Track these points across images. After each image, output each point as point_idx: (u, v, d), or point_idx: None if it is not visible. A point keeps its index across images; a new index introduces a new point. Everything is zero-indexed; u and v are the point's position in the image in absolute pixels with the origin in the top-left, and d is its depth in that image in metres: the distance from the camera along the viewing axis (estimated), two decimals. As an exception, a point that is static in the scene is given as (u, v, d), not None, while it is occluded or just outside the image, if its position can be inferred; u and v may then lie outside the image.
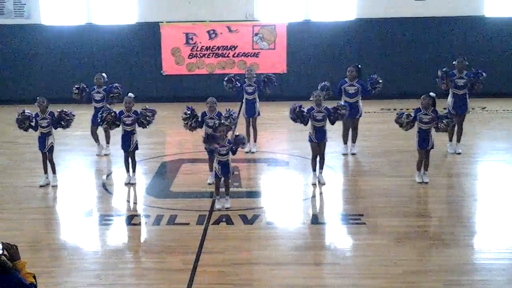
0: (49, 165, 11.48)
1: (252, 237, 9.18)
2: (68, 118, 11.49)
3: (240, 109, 13.93)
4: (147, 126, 11.60)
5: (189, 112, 11.39)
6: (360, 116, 13.10)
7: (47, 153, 11.40)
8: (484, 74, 12.96)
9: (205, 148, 10.57)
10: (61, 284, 7.82)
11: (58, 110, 11.47)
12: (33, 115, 11.36)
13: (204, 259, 8.38)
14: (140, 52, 18.98)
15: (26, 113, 11.39)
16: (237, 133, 10.52)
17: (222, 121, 10.62)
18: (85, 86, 13.46)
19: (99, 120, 11.80)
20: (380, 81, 13.02)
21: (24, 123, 11.37)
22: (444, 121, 11.00)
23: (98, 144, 13.48)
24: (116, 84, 13.47)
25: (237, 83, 13.43)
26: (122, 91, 13.21)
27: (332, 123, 11.34)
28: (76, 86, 13.50)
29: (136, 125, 11.46)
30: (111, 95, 13.27)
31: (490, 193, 10.92)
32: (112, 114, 11.46)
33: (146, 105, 11.90)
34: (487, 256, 8.46)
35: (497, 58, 18.61)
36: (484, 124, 15.74)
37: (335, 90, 12.90)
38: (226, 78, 13.52)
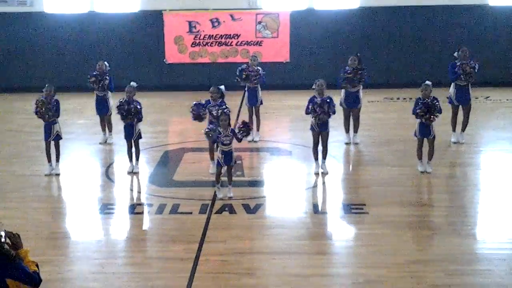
0: (53, 153, 11.48)
1: (254, 226, 9.20)
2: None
3: (243, 98, 13.92)
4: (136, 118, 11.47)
5: (194, 107, 11.27)
6: (361, 106, 13.06)
7: (53, 141, 11.39)
8: (476, 65, 12.71)
9: (208, 138, 10.57)
10: (64, 272, 7.86)
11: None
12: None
13: (207, 248, 8.40)
14: (143, 41, 18.95)
15: (42, 100, 11.22)
16: (244, 122, 10.44)
17: (225, 110, 10.61)
18: (98, 74, 13.22)
19: (120, 116, 11.58)
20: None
21: (45, 112, 11.25)
22: (431, 109, 10.88)
23: (104, 133, 13.49)
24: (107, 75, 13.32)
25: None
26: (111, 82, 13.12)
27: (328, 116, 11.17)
28: (93, 73, 13.29)
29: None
30: (102, 83, 13.13)
31: (493, 183, 10.91)
32: (126, 106, 11.30)
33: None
34: (489, 246, 8.47)
35: (501, 47, 18.57)
36: (487, 114, 15.71)
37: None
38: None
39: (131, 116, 11.27)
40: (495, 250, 8.27)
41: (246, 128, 10.28)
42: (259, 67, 13.35)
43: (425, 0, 18.53)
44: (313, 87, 11.21)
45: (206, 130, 10.43)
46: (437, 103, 10.93)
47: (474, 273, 7.69)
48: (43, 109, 11.16)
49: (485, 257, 8.10)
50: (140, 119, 11.41)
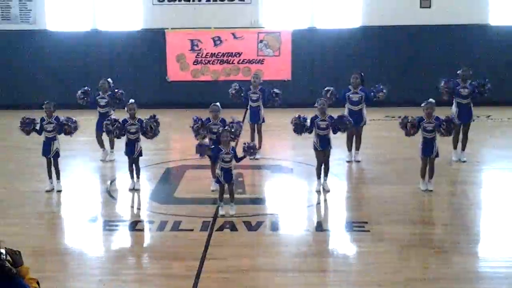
0: (53, 170, 11.49)
1: (256, 244, 9.17)
2: (71, 125, 11.43)
3: (245, 115, 13.95)
4: (153, 138, 11.55)
5: (198, 123, 11.25)
6: (364, 124, 13.10)
7: (52, 158, 11.41)
8: (488, 84, 12.89)
9: (208, 156, 10.57)
10: (64, 289, 7.83)
11: (65, 118, 11.47)
12: (39, 120, 11.37)
13: (208, 265, 8.37)
14: (145, 58, 19.02)
15: (30, 117, 11.38)
16: (250, 143, 10.49)
17: (226, 128, 10.62)
18: (88, 90, 13.49)
19: (104, 131, 11.79)
20: (384, 90, 12.99)
21: (28, 126, 11.35)
22: (444, 124, 10.96)
23: (103, 149, 13.51)
24: (120, 91, 13.46)
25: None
26: (123, 96, 13.22)
27: (334, 133, 11.31)
28: (80, 91, 13.53)
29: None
30: (114, 99, 13.27)
31: (495, 202, 10.89)
32: (117, 125, 11.41)
33: (150, 112, 11.86)
34: (491, 264, 8.44)
35: (501, 67, 18.60)
36: (489, 133, 15.72)
37: (340, 98, 12.91)
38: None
39: (117, 133, 11.35)
40: (496, 268, 8.24)
41: (253, 150, 10.28)
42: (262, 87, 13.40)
43: (426, 20, 18.62)
44: (315, 105, 11.23)
45: (198, 145, 10.41)
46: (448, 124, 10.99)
47: (476, 291, 7.66)
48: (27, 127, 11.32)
49: (487, 276, 8.07)
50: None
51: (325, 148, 11.21)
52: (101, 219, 10.28)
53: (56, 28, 19.01)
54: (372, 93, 12.91)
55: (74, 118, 11.57)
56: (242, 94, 13.44)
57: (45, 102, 11.40)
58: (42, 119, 11.38)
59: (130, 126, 11.36)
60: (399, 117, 10.95)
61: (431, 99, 11.12)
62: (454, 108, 12.88)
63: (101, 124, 13.23)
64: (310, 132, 11.26)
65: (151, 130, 11.39)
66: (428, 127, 11.03)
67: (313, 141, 11.28)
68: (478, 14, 18.60)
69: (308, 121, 11.17)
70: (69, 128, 11.42)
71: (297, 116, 11.27)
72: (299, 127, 11.23)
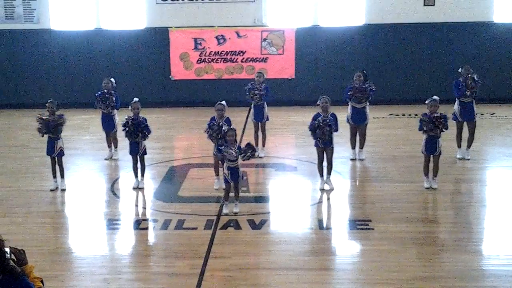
0: (57, 169, 11.51)
1: (259, 242, 9.18)
2: (57, 121, 11.25)
3: (249, 114, 13.95)
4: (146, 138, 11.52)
5: (210, 127, 11.02)
6: (368, 122, 13.08)
7: (56, 157, 11.42)
8: (478, 79, 12.75)
9: (215, 154, 10.53)
10: (69, 288, 7.85)
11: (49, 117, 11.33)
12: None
13: (212, 263, 8.38)
14: (149, 57, 19.05)
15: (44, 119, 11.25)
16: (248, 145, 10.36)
17: (232, 127, 10.55)
18: (106, 95, 13.19)
19: (124, 134, 11.51)
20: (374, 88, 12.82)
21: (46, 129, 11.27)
22: (438, 121, 10.86)
23: (110, 149, 13.52)
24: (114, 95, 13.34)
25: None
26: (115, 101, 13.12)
27: (335, 131, 11.23)
28: (99, 93, 13.31)
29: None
30: (105, 101, 13.16)
31: (499, 199, 10.87)
32: (130, 124, 11.29)
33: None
34: (496, 262, 8.42)
35: (506, 64, 18.58)
36: (493, 130, 15.69)
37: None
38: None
39: (139, 133, 11.28)
40: (501, 266, 8.23)
41: (251, 151, 10.16)
42: (266, 85, 13.37)
43: (430, 18, 18.60)
44: (318, 103, 11.22)
45: (218, 152, 10.30)
46: (443, 120, 10.85)
47: (480, 289, 7.65)
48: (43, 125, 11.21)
49: (491, 274, 8.05)
50: (147, 135, 11.42)
51: (327, 146, 11.20)
52: (105, 218, 10.30)
53: (60, 28, 19.04)
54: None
55: (59, 114, 11.38)
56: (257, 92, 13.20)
57: (48, 101, 11.40)
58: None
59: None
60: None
61: (435, 97, 11.09)
62: (456, 106, 12.86)
63: (106, 124, 13.29)
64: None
65: (140, 133, 11.31)
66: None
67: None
68: (482, 12, 18.58)
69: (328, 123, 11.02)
70: (55, 124, 11.25)
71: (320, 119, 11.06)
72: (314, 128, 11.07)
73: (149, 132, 11.44)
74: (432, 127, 10.85)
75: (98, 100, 13.17)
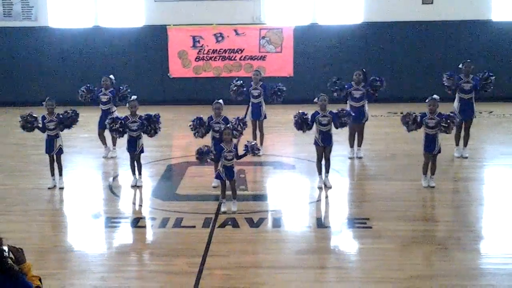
0: (55, 167, 11.50)
1: (257, 240, 9.18)
2: (71, 116, 11.40)
3: (247, 112, 13.94)
4: (155, 135, 11.54)
5: (194, 122, 11.20)
6: (366, 120, 13.09)
7: (55, 155, 11.41)
8: (492, 76, 12.86)
9: (209, 160, 10.51)
10: (66, 286, 7.83)
11: (62, 112, 11.42)
12: (40, 117, 11.34)
13: (210, 262, 8.38)
14: (147, 55, 19.04)
15: (32, 115, 11.34)
16: (252, 142, 10.40)
17: (228, 125, 10.58)
18: (92, 88, 13.49)
19: (107, 128, 11.72)
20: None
21: (29, 123, 11.32)
22: (444, 120, 10.89)
23: (105, 146, 13.52)
24: (125, 87, 13.43)
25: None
26: (128, 93, 13.20)
27: (337, 128, 11.31)
28: (82, 88, 13.51)
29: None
30: (120, 94, 13.26)
31: (497, 198, 10.88)
32: (119, 123, 11.39)
33: (152, 109, 11.85)
34: (494, 261, 8.42)
35: (504, 62, 18.59)
36: (491, 129, 15.71)
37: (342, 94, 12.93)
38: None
39: (151, 129, 11.29)
40: (499, 265, 8.23)
41: (256, 150, 10.23)
42: (263, 83, 13.37)
43: (429, 16, 18.60)
44: (315, 100, 11.21)
45: (199, 152, 10.31)
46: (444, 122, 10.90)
47: (479, 288, 7.65)
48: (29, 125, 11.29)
49: (489, 272, 8.05)
50: (157, 131, 11.47)
51: (326, 144, 11.21)
52: (103, 216, 10.29)
53: (58, 25, 19.02)
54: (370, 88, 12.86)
55: (73, 109, 11.50)
56: (243, 89, 13.41)
57: (46, 99, 11.38)
58: (43, 117, 11.33)
59: (132, 123, 11.34)
60: (401, 113, 11.00)
61: (435, 96, 11.08)
62: (456, 104, 12.86)
63: (103, 121, 13.25)
64: (310, 129, 11.25)
65: (153, 129, 11.35)
66: (431, 123, 11.01)
67: (314, 136, 11.28)
68: (480, 10, 18.59)
69: (309, 117, 11.15)
70: (70, 120, 11.35)
71: (298, 112, 11.25)
72: (300, 124, 11.21)
73: (159, 129, 11.45)
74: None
75: (119, 97, 13.30)
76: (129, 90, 13.34)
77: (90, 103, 13.58)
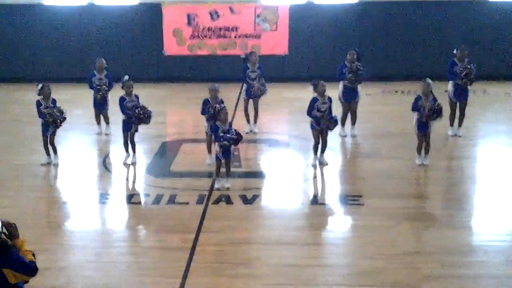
0: (49, 147, 11.48)
1: (251, 217, 9.21)
2: (61, 118, 11.31)
3: (241, 90, 13.91)
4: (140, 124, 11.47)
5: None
6: (359, 100, 13.07)
7: (49, 136, 11.38)
8: (474, 68, 12.71)
9: (207, 133, 10.39)
10: (60, 261, 7.85)
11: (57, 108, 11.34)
12: (37, 103, 11.26)
13: (203, 238, 8.41)
14: (142, 33, 18.96)
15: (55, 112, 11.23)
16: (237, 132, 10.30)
17: (224, 106, 10.53)
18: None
19: (135, 118, 11.35)
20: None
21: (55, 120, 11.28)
22: (432, 111, 10.87)
23: (99, 126, 13.49)
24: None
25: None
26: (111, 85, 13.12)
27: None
28: (95, 85, 13.26)
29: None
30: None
31: (490, 176, 10.92)
32: (144, 110, 11.25)
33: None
34: (485, 238, 8.48)
35: (499, 42, 18.58)
36: (485, 107, 15.73)
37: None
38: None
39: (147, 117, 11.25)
40: (490, 242, 8.28)
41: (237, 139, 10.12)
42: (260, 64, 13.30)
43: (424, -6, 18.54)
44: (310, 83, 11.12)
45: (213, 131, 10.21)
46: (436, 107, 10.86)
47: (470, 264, 7.70)
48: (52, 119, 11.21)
49: (481, 249, 8.11)
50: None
51: (324, 128, 11.17)
52: (97, 192, 10.30)
53: (52, 2, 18.88)
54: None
55: (63, 110, 11.43)
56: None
57: (43, 85, 11.23)
58: (39, 103, 11.25)
59: (129, 103, 11.29)
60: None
61: (428, 79, 11.06)
62: (450, 87, 12.86)
63: (97, 102, 13.23)
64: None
65: (146, 117, 11.27)
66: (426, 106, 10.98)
67: (310, 120, 11.22)
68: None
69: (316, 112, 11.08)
70: (59, 120, 11.31)
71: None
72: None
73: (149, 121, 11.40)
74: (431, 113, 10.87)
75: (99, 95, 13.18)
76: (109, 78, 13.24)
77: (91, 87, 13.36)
